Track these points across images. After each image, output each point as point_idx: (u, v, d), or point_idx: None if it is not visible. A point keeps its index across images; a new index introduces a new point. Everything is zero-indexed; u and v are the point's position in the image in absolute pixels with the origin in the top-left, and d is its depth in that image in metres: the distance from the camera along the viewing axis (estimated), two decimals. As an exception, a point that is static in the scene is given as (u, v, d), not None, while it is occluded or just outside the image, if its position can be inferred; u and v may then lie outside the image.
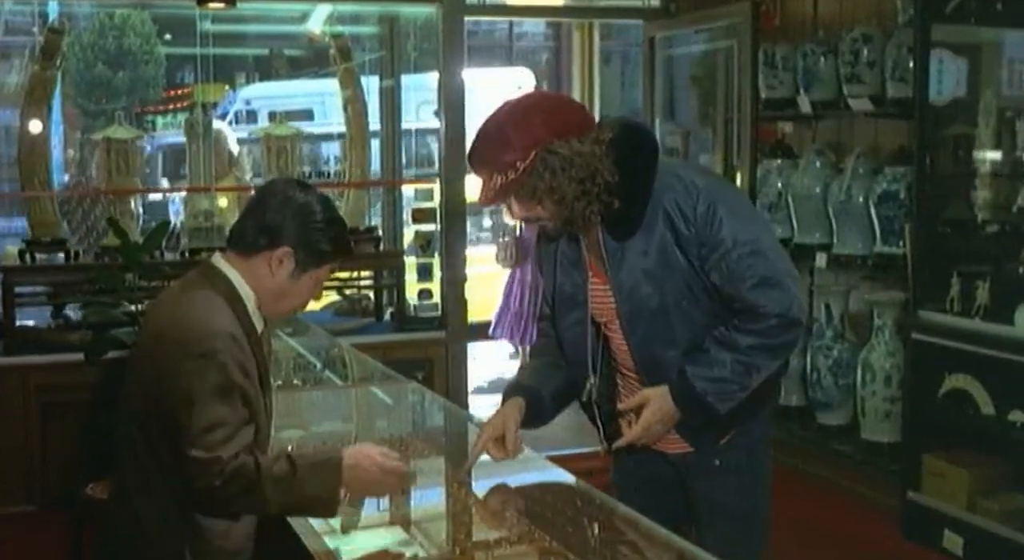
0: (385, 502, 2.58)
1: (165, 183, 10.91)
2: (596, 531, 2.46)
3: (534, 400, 2.67)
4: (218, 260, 2.40)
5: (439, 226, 6.00)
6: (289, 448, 2.75)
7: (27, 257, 5.53)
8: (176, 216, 7.32)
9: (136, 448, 2.32)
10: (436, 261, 6.05)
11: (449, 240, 5.93)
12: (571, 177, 2.38)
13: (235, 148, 6.97)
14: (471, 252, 6.28)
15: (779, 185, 5.51)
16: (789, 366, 5.17)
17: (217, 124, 6.93)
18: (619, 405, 2.61)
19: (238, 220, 2.42)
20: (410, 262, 6.19)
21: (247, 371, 2.30)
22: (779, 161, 5.57)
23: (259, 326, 2.41)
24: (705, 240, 2.43)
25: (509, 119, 2.43)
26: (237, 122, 11.76)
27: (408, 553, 2.35)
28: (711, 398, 2.47)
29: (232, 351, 2.26)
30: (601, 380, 2.66)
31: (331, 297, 6.37)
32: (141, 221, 6.08)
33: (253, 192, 6.25)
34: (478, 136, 2.46)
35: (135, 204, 6.03)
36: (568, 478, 2.68)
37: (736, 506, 2.63)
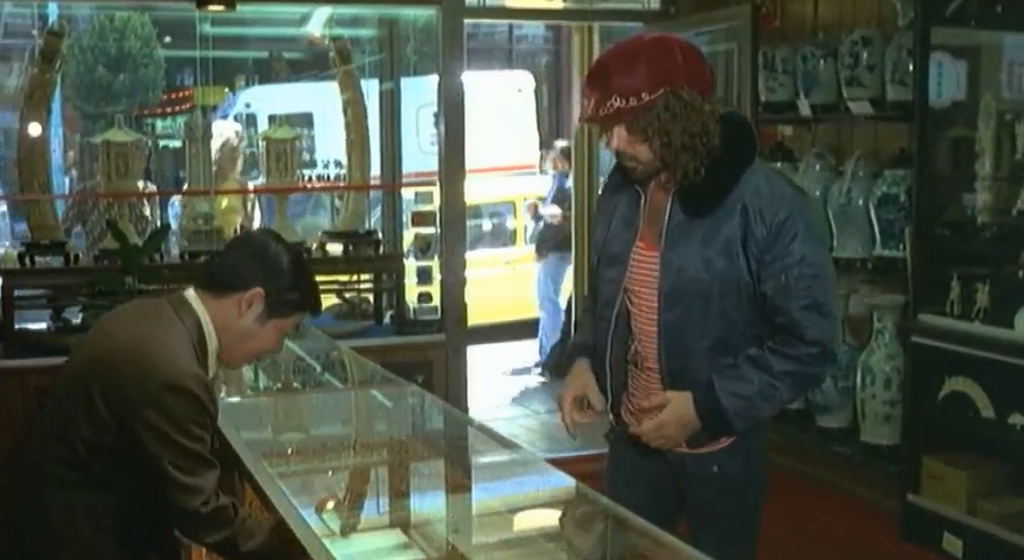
0: (385, 505, 2.58)
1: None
2: (596, 534, 2.46)
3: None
4: (191, 296, 2.43)
5: (439, 229, 6.00)
6: (289, 451, 2.75)
7: (26, 260, 5.52)
8: (175, 219, 7.30)
9: (62, 465, 2.36)
10: (436, 264, 6.04)
11: (449, 243, 5.92)
12: (685, 127, 2.37)
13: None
14: (471, 255, 6.26)
15: (779, 188, 5.50)
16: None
17: (227, 124, 6.92)
18: (643, 403, 2.57)
19: (211, 260, 2.45)
20: (410, 265, 6.19)
21: (213, 414, 2.35)
22: (779, 164, 5.55)
23: (211, 373, 2.43)
24: (772, 248, 2.41)
25: (653, 48, 2.41)
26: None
27: (408, 557, 2.35)
28: (733, 416, 2.45)
29: (205, 392, 2.30)
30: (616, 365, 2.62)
31: (331, 300, 6.35)
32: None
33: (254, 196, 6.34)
34: (611, 53, 2.45)
35: (149, 209, 6.03)
36: (568, 481, 2.67)
37: (730, 511, 2.62)
